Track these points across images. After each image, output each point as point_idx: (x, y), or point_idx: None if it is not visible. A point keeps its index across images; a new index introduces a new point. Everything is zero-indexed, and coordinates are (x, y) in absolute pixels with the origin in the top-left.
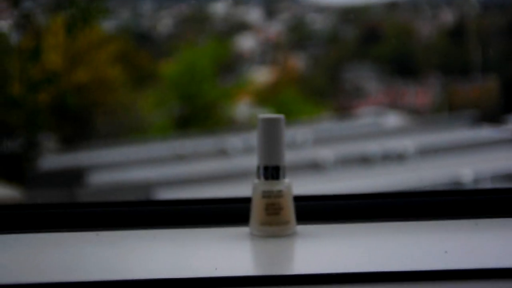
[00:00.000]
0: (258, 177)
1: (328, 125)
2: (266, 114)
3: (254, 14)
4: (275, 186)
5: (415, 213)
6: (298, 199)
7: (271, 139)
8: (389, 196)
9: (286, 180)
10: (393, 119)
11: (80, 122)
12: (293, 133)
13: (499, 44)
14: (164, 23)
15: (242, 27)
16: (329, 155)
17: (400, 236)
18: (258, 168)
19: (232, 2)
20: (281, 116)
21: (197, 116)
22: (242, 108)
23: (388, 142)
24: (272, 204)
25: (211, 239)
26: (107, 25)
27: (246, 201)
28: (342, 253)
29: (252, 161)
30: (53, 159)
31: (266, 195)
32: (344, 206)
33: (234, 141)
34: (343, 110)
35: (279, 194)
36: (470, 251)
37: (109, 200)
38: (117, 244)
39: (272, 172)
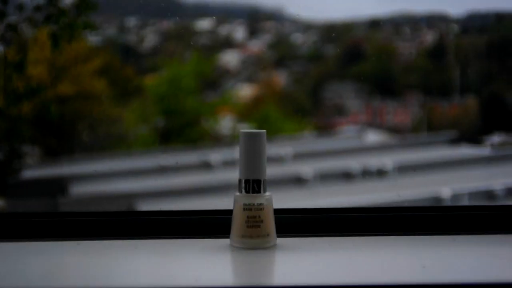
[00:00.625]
0: (240, 190)
1: (309, 141)
2: (247, 129)
3: (238, 32)
4: (256, 199)
5: (393, 228)
6: (278, 212)
7: (252, 153)
8: (368, 211)
9: (267, 194)
10: (373, 137)
11: (64, 133)
12: (275, 148)
13: (477, 65)
14: (149, 38)
15: (226, 44)
16: (309, 170)
17: (378, 250)
18: (240, 181)
19: (217, 19)
20: (262, 131)
21: (181, 130)
22: (225, 123)
23: (368, 159)
24: (252, 216)
25: (192, 250)
26: (93, 40)
27: (227, 213)
28: (322, 265)
29: (234, 175)
30: (36, 170)
31: (247, 207)
32: (324, 219)
33: (216, 154)
34: (324, 127)
35: (259, 207)
36: (447, 266)
37: (90, 210)
38: (98, 253)
39: (253, 185)
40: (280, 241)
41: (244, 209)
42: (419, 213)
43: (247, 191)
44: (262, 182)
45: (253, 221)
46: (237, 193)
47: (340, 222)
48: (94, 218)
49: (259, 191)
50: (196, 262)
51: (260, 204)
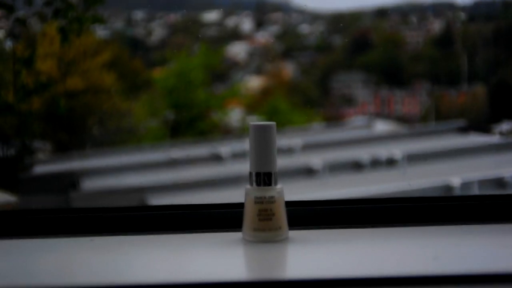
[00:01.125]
0: (251, 184)
1: (318, 132)
2: (257, 121)
3: (245, 24)
4: (267, 192)
5: (405, 219)
6: (290, 204)
7: (262, 146)
8: (379, 202)
9: (278, 186)
10: (382, 127)
11: (75, 128)
12: (284, 140)
13: (485, 52)
14: (157, 31)
15: (234, 36)
16: (319, 161)
17: (391, 242)
18: (250, 174)
19: (224, 11)
20: (272, 123)
21: (190, 122)
22: (234, 115)
23: (378, 149)
24: (264, 210)
25: (204, 244)
26: (101, 33)
27: (239, 206)
28: (334, 258)
29: (244, 167)
30: (47, 165)
31: (259, 201)
32: (336, 211)
33: (226, 147)
34: (333, 118)
35: (271, 200)
36: (459, 256)
37: (103, 206)
38: (112, 249)
39: (264, 178)
40: (292, 234)
41: (255, 202)
42: (430, 203)
43: (258, 184)
44: (273, 175)
45: (265, 214)
46: (248, 186)
47: (351, 214)
48: (106, 214)
49: (270, 184)
50: (208, 256)
51: (272, 197)
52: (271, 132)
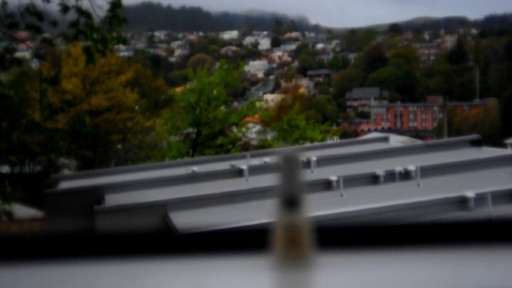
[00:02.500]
0: (279, 210)
1: (334, 146)
2: (285, 149)
3: (263, 42)
4: (294, 218)
5: (435, 243)
6: (317, 228)
7: (290, 173)
8: (407, 227)
9: (305, 212)
10: (396, 140)
11: (99, 145)
12: (302, 154)
13: (497, 67)
14: (178, 50)
15: (252, 54)
16: (336, 174)
17: (420, 266)
18: (278, 200)
19: (243, 31)
20: (299, 150)
21: (210, 138)
22: (253, 131)
23: (393, 162)
24: (292, 235)
25: (232, 269)
26: (125, 53)
27: (267, 231)
28: (362, 282)
29: (263, 181)
30: (72, 180)
31: (286, 227)
32: (364, 235)
33: (245, 161)
34: (349, 132)
35: (298, 226)
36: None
37: (129, 231)
38: (139, 275)
39: (291, 205)
40: (320, 259)
41: (283, 228)
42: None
43: (286, 210)
44: (300, 202)
45: (293, 240)
46: (276, 213)
47: (380, 238)
48: (132, 239)
49: (297, 211)
50: (236, 281)
51: (299, 223)
52: (298, 160)
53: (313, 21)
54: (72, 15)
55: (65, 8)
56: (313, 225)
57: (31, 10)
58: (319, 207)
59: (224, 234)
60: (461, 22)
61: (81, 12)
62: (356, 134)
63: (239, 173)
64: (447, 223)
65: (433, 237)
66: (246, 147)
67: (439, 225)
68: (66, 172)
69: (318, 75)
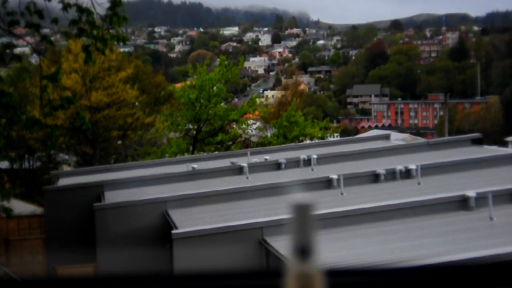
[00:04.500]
0: (291, 259)
1: (334, 143)
2: (298, 198)
3: (264, 39)
4: (307, 268)
5: None
6: (330, 273)
7: (302, 222)
8: (431, 271)
9: (318, 262)
10: (397, 138)
11: (99, 141)
12: (301, 152)
13: (499, 64)
14: (178, 46)
15: (253, 50)
16: (335, 173)
17: None
18: (291, 249)
19: (243, 27)
20: (312, 202)
21: (210, 135)
22: (253, 127)
23: (394, 160)
24: (304, 285)
25: None
26: (125, 49)
27: (278, 276)
28: None
29: (262, 178)
30: (72, 177)
31: (299, 276)
32: (379, 282)
33: (245, 159)
34: (349, 129)
35: (311, 275)
36: None
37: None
38: None
39: (304, 254)
40: None
41: (295, 277)
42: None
43: (298, 259)
44: (312, 250)
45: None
46: (288, 261)
47: (396, 285)
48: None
49: (310, 259)
50: None
51: (312, 272)
52: (310, 210)
53: (314, 17)
54: (73, 13)
55: (66, 6)
56: (325, 272)
57: (32, 9)
58: (319, 206)
59: (234, 277)
60: (463, 18)
61: (81, 10)
62: (357, 131)
63: (239, 170)
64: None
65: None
66: (246, 144)
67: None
68: (65, 168)
69: (319, 72)
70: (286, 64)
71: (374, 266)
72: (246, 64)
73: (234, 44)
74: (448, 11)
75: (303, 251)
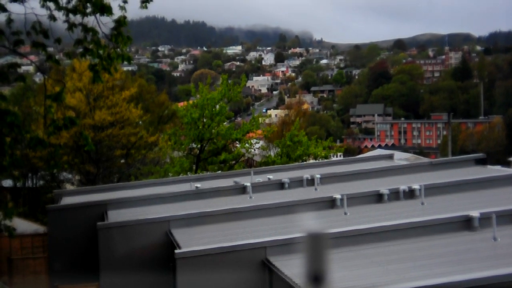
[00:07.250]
0: (305, 285)
1: (338, 163)
2: (311, 226)
3: (267, 58)
4: None
5: None
6: None
7: (316, 251)
8: None
9: None
10: (400, 158)
11: (102, 160)
12: (305, 171)
13: (502, 84)
14: (182, 65)
15: (257, 69)
16: (339, 192)
17: None
18: (304, 277)
19: (246, 46)
20: (325, 232)
21: (213, 154)
22: (256, 146)
23: (397, 180)
24: None
25: None
26: (129, 67)
27: None
28: None
29: (266, 198)
30: (75, 196)
31: None
32: None
33: (249, 178)
34: (353, 149)
35: None
36: None
37: None
38: None
39: (317, 281)
40: None
41: None
42: None
43: (311, 287)
44: (325, 279)
45: None
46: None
47: None
48: None
49: (323, 287)
50: None
51: None
52: (324, 239)
53: (317, 36)
54: (78, 32)
55: (71, 26)
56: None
57: (37, 28)
58: (322, 226)
59: None
60: (466, 38)
61: (86, 29)
62: (360, 150)
63: (242, 190)
64: None
65: None
66: (249, 163)
67: None
68: (69, 187)
69: (322, 91)
70: (289, 83)
71: None
72: (250, 83)
73: (238, 63)
74: (451, 31)
75: (316, 278)
